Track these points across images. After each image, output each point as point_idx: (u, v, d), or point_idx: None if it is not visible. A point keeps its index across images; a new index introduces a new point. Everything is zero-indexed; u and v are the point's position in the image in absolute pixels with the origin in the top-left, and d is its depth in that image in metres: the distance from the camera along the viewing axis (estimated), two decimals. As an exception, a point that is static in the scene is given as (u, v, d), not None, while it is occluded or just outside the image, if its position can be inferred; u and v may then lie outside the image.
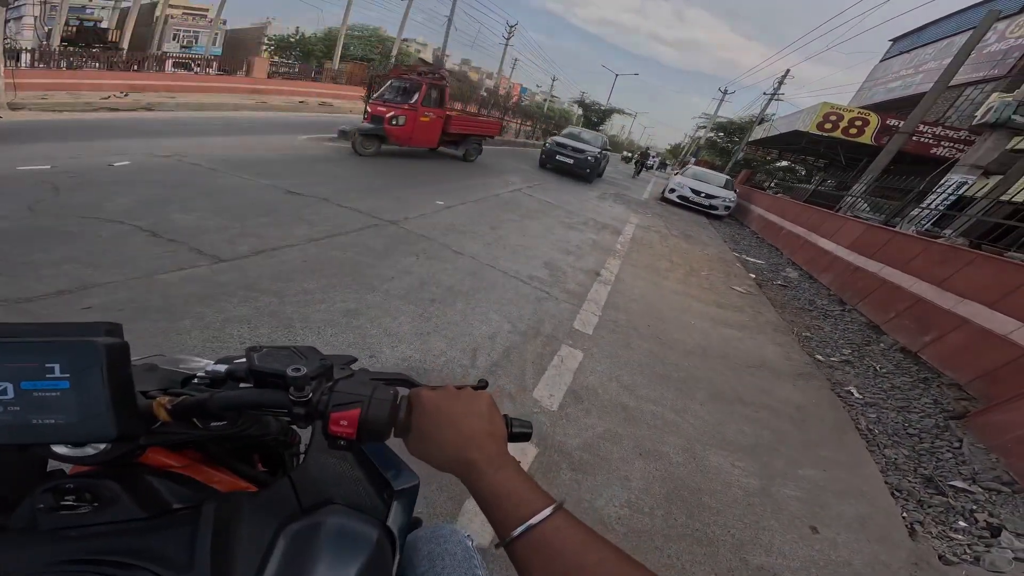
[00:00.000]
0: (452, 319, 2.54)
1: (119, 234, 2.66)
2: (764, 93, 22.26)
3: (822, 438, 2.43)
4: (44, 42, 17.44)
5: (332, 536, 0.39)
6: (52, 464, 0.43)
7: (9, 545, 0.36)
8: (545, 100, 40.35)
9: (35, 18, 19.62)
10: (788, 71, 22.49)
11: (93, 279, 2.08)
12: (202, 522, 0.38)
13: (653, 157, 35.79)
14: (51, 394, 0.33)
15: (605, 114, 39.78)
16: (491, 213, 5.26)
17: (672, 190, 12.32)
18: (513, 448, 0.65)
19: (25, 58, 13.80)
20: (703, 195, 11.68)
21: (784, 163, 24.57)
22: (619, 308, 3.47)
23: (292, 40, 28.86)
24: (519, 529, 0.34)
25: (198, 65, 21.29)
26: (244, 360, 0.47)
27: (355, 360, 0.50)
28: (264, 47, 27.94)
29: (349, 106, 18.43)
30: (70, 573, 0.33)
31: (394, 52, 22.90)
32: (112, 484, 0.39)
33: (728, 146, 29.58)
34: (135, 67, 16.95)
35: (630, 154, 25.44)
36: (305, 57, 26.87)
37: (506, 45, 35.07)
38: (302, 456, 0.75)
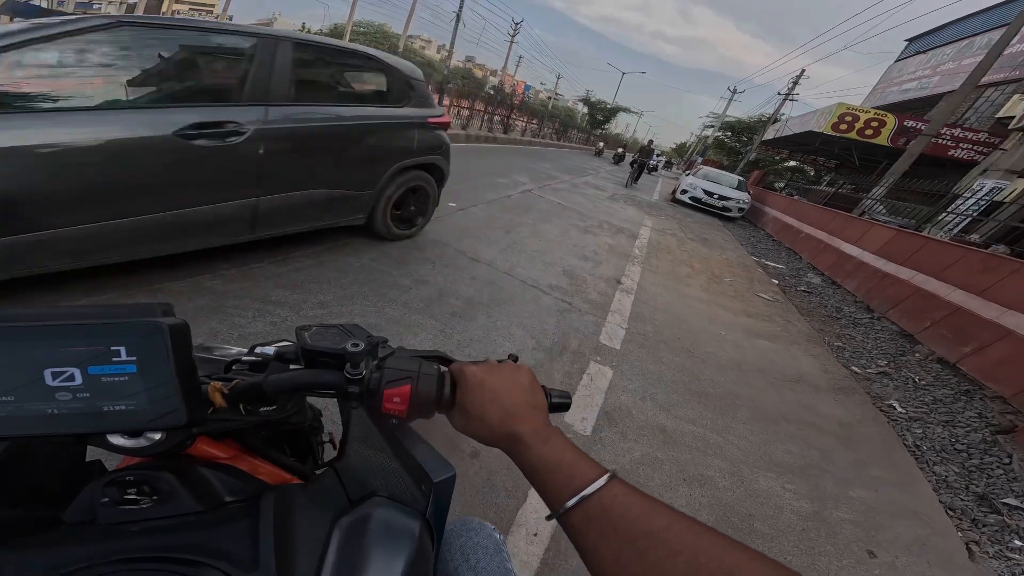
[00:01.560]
0: (474, 335, 2.40)
1: None
2: (779, 93, 21.93)
3: (870, 456, 2.29)
4: None
5: (380, 529, 0.38)
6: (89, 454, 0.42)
7: (69, 540, 0.35)
8: (549, 98, 40.17)
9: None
10: (803, 71, 22.16)
11: None
12: (262, 517, 0.37)
13: (657, 156, 26.91)
14: (119, 379, 0.32)
15: (611, 112, 39.50)
16: (504, 216, 5.12)
17: (684, 191, 12.12)
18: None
19: None
20: (716, 196, 11.48)
21: (792, 163, 24.22)
22: (645, 319, 3.31)
23: None
24: (573, 500, 0.33)
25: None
26: (288, 343, 0.46)
27: (387, 340, 0.47)
28: None
29: None
30: (140, 571, 0.32)
31: (400, 49, 22.80)
32: (169, 476, 0.38)
33: (736, 146, 29.24)
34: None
35: (622, 150, 20.80)
36: None
37: (511, 42, 34.93)
38: (325, 444, 0.72)
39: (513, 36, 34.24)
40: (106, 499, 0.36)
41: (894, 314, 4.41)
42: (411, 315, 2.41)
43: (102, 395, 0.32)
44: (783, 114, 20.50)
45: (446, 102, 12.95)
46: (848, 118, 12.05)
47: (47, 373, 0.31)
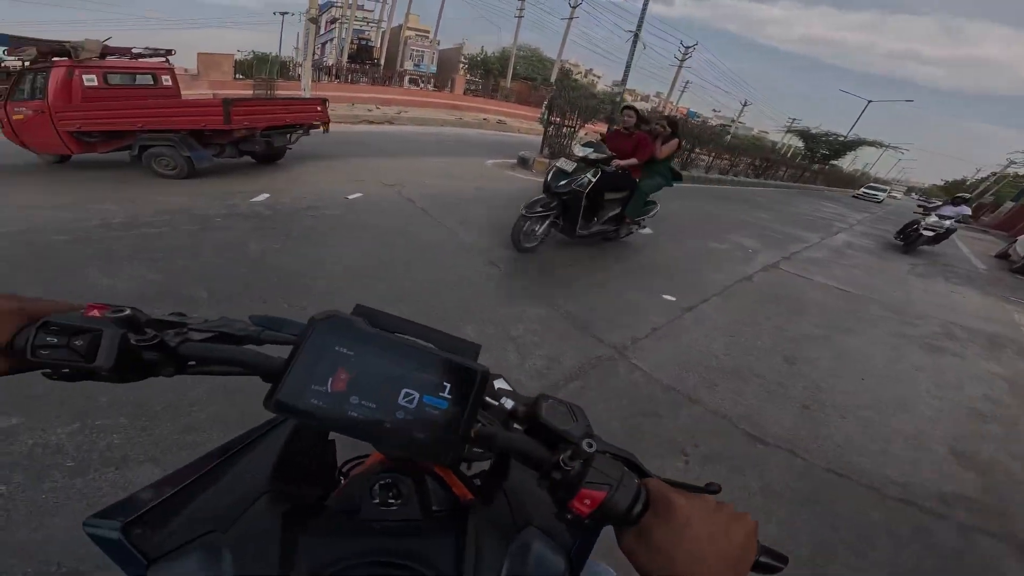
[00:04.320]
0: None
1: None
2: None
3: None
4: (338, 59, 22.54)
5: (536, 561, 0.37)
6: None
7: (343, 532, 0.38)
8: (723, 126, 34.99)
9: (337, 38, 25.37)
10: None
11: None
12: (468, 534, 0.37)
13: (952, 206, 8.39)
14: (433, 411, 0.36)
15: (844, 147, 32.12)
16: (762, 321, 3.49)
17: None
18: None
19: (318, 74, 17.92)
20: None
21: None
22: None
23: (478, 59, 31.56)
24: None
25: (423, 81, 24.89)
26: (514, 404, 0.46)
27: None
28: (462, 64, 31.17)
29: (517, 125, 18.66)
30: (382, 574, 0.33)
31: (553, 76, 22.43)
32: (409, 482, 0.41)
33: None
34: (386, 82, 20.64)
35: (880, 189, 15.86)
36: (486, 76, 29.05)
37: (679, 67, 31.37)
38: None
39: (683, 60, 30.70)
40: (376, 500, 0.40)
41: None
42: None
43: (419, 423, 0.35)
44: None
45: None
46: None
47: (402, 392, 0.35)
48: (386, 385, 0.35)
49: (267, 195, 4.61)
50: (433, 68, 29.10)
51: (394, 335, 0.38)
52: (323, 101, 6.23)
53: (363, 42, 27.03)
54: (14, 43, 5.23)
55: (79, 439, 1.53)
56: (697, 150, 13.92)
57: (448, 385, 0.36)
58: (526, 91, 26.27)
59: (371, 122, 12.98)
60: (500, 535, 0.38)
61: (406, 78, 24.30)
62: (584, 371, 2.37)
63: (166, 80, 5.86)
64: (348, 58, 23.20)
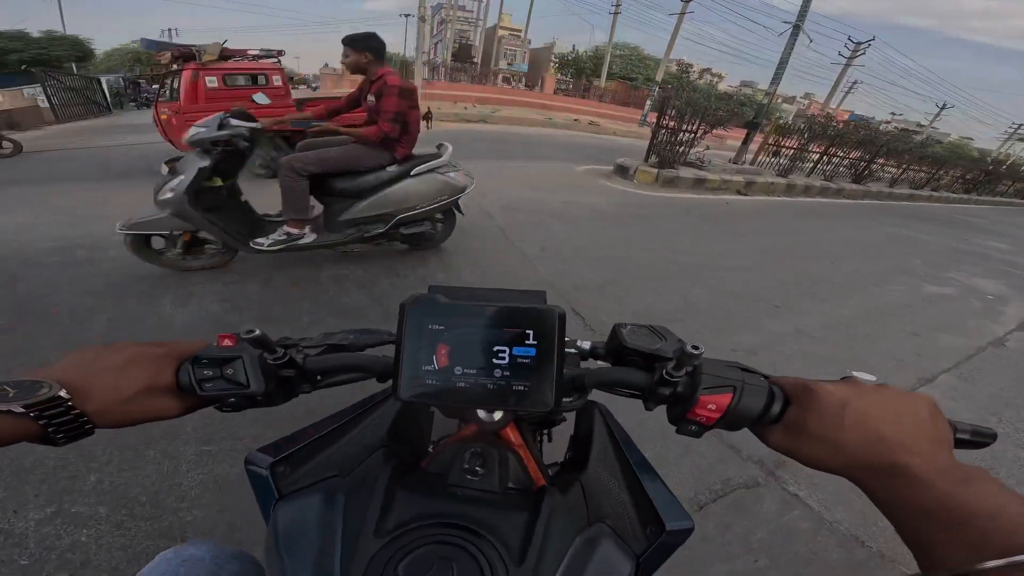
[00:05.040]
0: None
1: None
2: None
3: None
4: (444, 59, 23.44)
5: (600, 560, 0.36)
6: None
7: (435, 492, 0.40)
8: (904, 130, 28.83)
9: (445, 38, 26.39)
10: None
11: None
12: (541, 516, 0.37)
13: None
14: (525, 361, 0.37)
15: None
16: None
17: None
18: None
19: (431, 73, 18.67)
20: None
21: None
22: None
23: (569, 58, 30.21)
24: (1002, 561, 0.25)
25: (515, 80, 24.75)
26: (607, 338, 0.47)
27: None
28: (552, 64, 30.33)
29: (613, 127, 17.10)
30: (450, 535, 0.35)
31: (659, 75, 20.17)
32: (495, 454, 0.43)
33: None
34: (482, 80, 20.92)
35: None
36: (577, 75, 27.65)
37: (847, 65, 26.23)
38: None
39: (852, 57, 25.58)
40: (467, 466, 0.42)
41: None
42: None
43: (515, 375, 0.37)
44: None
45: (757, 140, 9.91)
46: None
47: (495, 350, 0.38)
48: (480, 349, 0.38)
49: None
50: (524, 67, 28.90)
51: (471, 302, 0.40)
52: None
53: (463, 41, 27.76)
54: (156, 48, 5.78)
55: (46, 530, 1.23)
56: (881, 160, 11.14)
57: (530, 332, 0.37)
58: (624, 91, 24.65)
59: (467, 120, 13.00)
60: (570, 524, 0.38)
61: (500, 76, 24.40)
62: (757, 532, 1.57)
63: (277, 80, 6.13)
64: (451, 57, 23.96)
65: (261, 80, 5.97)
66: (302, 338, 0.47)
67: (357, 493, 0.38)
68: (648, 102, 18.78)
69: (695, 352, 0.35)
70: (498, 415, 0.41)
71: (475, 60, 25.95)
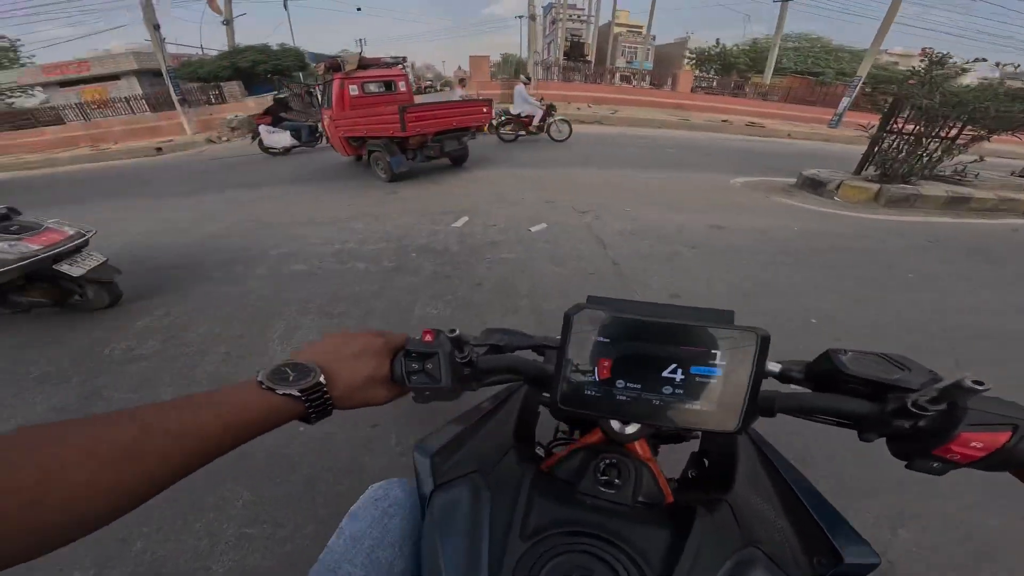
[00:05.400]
0: None
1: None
2: None
3: None
4: (556, 57, 23.15)
5: None
6: None
7: (571, 501, 0.41)
8: None
9: (557, 38, 26.12)
10: None
11: None
12: (694, 532, 0.36)
13: None
14: (707, 381, 0.37)
15: None
16: None
17: None
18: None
19: (545, 73, 18.56)
20: None
21: None
22: None
23: (712, 52, 26.76)
24: None
25: (636, 78, 23.16)
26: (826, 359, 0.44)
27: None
28: (687, 60, 27.43)
29: (786, 128, 14.33)
30: (590, 545, 0.36)
31: (862, 70, 15.90)
32: (631, 467, 0.43)
33: None
34: (598, 80, 20.07)
35: None
36: (725, 71, 24.31)
37: None
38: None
39: None
40: (602, 476, 0.43)
41: None
42: None
43: (690, 395, 0.37)
44: None
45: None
46: None
47: (668, 367, 0.37)
48: (648, 365, 0.38)
49: (466, 218, 4.11)
50: (648, 64, 26.96)
51: (647, 318, 0.38)
52: (488, 102, 5.87)
53: (575, 39, 27.00)
54: (314, 60, 6.47)
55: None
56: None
57: (717, 353, 0.36)
58: (804, 87, 21.05)
59: (581, 121, 12.34)
60: (720, 546, 0.37)
61: (617, 75, 23.11)
62: None
63: (401, 86, 6.37)
64: (563, 55, 23.44)
65: (389, 87, 6.25)
66: (474, 337, 0.52)
67: (500, 492, 0.42)
68: (845, 99, 15.61)
69: (977, 388, 0.32)
70: (632, 427, 0.41)
71: (588, 58, 24.93)
